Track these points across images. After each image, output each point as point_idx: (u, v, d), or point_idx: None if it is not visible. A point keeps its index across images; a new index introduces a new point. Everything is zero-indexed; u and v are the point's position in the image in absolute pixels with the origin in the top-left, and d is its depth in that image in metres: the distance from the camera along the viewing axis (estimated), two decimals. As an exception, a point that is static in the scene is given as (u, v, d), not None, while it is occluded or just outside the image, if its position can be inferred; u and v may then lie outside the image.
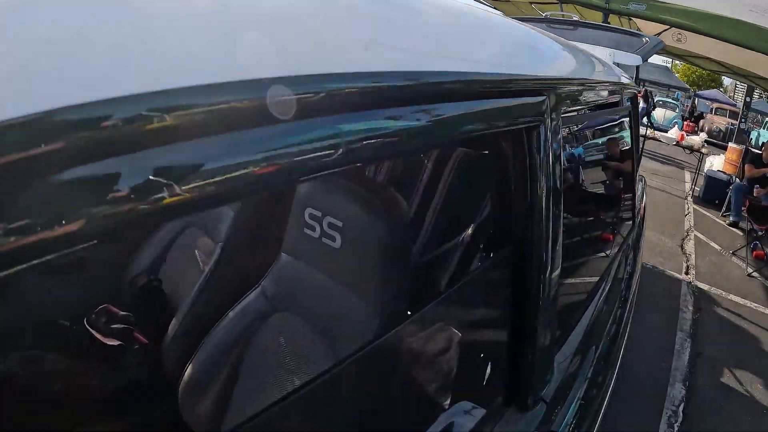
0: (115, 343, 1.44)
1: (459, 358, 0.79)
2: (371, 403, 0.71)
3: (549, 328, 0.82)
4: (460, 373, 0.82)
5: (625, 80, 1.58)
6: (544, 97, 0.67)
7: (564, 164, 0.80)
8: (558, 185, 0.74)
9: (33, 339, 1.34)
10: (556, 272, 0.79)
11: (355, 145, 0.38)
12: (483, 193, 0.94)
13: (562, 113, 0.76)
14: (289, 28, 0.37)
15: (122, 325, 1.50)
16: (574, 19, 3.70)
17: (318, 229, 0.91)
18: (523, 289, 0.74)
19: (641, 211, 2.20)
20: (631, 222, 1.60)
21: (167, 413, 1.21)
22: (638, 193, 2.22)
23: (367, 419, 0.72)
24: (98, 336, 1.45)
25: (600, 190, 1.48)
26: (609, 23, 5.16)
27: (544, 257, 0.72)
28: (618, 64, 2.73)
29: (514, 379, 0.81)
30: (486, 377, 0.84)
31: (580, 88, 0.86)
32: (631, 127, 1.55)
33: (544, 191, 0.69)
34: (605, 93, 1.10)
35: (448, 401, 0.82)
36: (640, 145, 2.93)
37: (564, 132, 0.95)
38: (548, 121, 0.68)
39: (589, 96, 0.93)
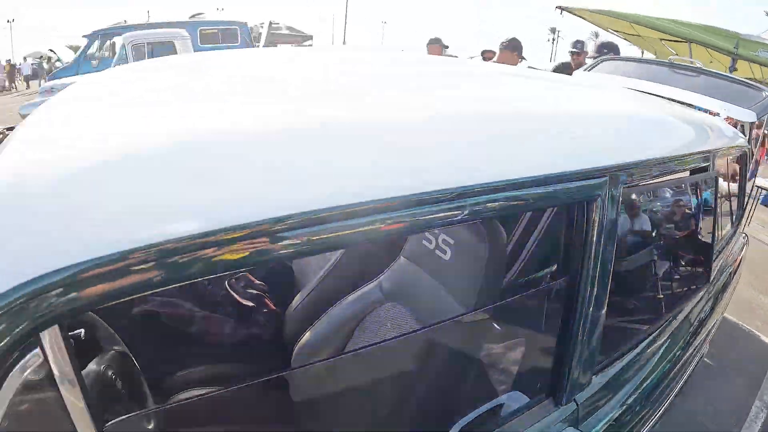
0: (249, 304, 1.76)
1: (524, 357, 1.06)
2: (449, 379, 1.00)
3: (590, 346, 1.06)
4: (521, 368, 1.09)
5: (728, 140, 1.69)
6: (605, 179, 0.93)
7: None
8: (610, 253, 1.01)
9: (178, 291, 1.65)
10: (600, 308, 1.05)
11: None
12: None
13: (627, 186, 1.01)
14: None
15: (256, 291, 1.82)
16: (697, 66, 3.64)
17: (434, 242, 1.17)
18: (570, 312, 1.01)
19: (735, 266, 2.25)
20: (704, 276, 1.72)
21: (279, 370, 1.45)
22: (733, 250, 2.31)
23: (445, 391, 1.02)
24: (236, 296, 1.77)
25: (671, 248, 1.66)
26: (737, 69, 4.98)
27: (589, 291, 1.00)
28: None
29: (555, 378, 1.06)
30: (538, 375, 1.10)
31: (645, 166, 1.08)
32: (714, 188, 1.66)
33: (593, 257, 0.97)
34: (687, 163, 1.28)
35: (504, 388, 1.10)
36: (747, 205, 2.90)
37: (637, 198, 1.19)
38: (606, 196, 0.94)
39: (659, 170, 1.14)
